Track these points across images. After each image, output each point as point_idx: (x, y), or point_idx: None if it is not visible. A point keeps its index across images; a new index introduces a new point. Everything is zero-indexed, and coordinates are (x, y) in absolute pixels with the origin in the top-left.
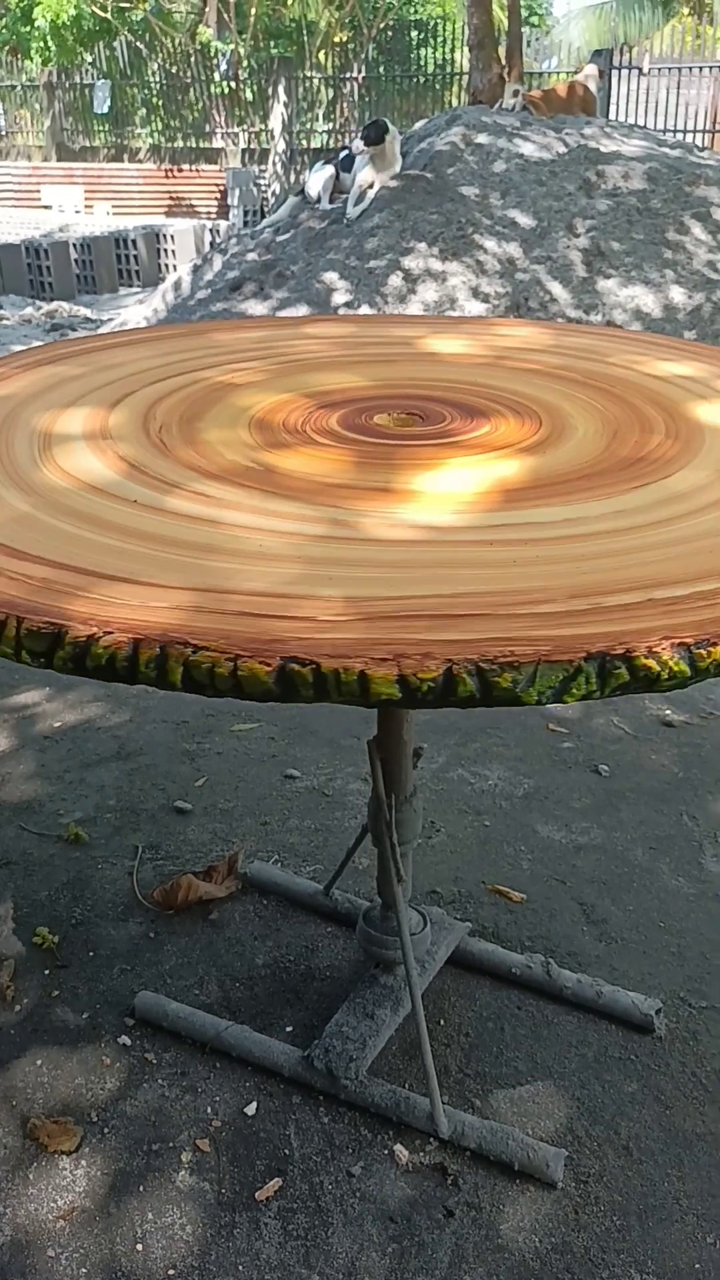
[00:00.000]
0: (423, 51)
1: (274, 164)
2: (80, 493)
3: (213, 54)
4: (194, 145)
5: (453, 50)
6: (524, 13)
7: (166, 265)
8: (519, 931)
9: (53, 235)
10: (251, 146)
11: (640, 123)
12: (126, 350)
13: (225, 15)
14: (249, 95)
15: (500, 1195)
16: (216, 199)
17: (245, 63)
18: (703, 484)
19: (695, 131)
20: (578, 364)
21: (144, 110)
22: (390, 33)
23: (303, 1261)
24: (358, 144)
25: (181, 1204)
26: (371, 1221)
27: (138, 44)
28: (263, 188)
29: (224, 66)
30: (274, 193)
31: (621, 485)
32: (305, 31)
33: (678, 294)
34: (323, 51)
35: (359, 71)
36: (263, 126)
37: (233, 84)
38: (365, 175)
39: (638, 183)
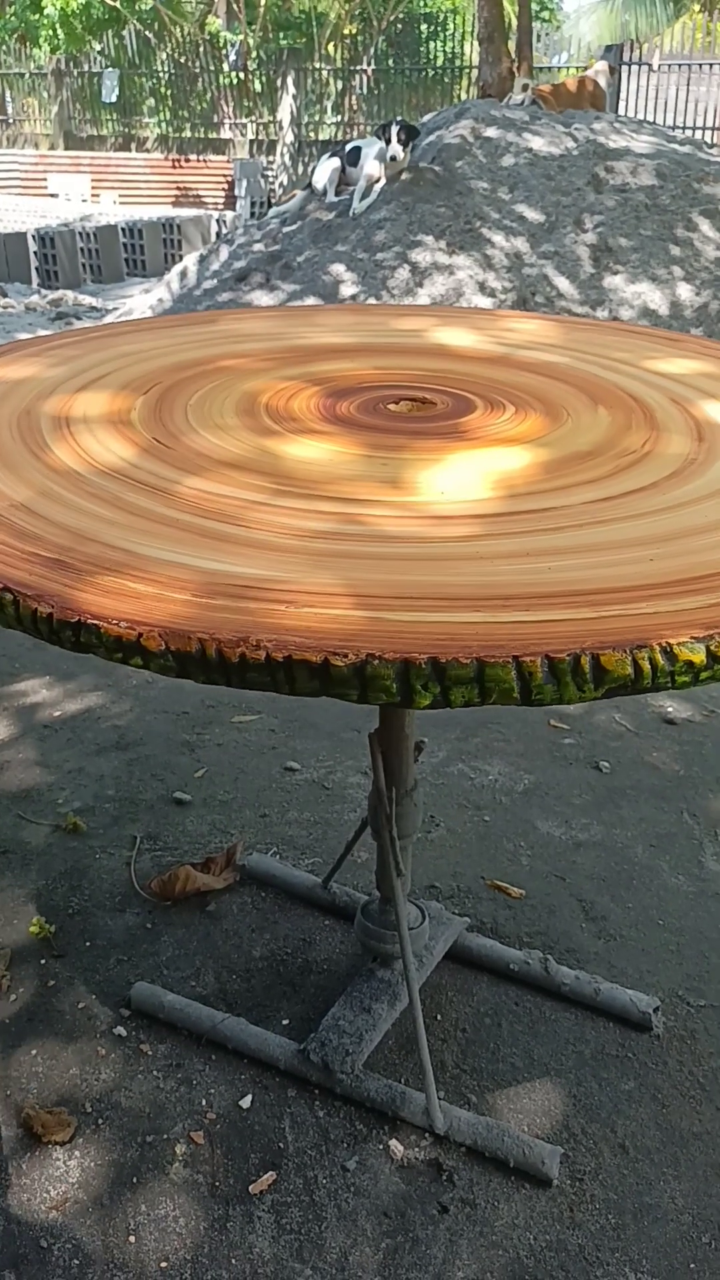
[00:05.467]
0: (432, 44)
1: (282, 155)
2: (88, 476)
3: (221, 44)
4: (202, 136)
5: (462, 43)
6: (534, 7)
7: (173, 255)
8: (517, 927)
9: (69, 224)
10: (259, 138)
11: (650, 119)
12: (138, 337)
13: (234, 6)
14: (257, 86)
15: (495, 1192)
16: (224, 190)
17: (254, 54)
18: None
19: (705, 129)
20: (585, 359)
21: (152, 100)
22: (400, 25)
23: (296, 1256)
24: (395, 147)
25: (175, 1196)
26: (365, 1216)
27: (146, 33)
28: (270, 179)
29: (233, 57)
30: (281, 184)
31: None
32: (315, 23)
33: (685, 291)
34: (332, 43)
35: (368, 64)
36: (271, 118)
37: (241, 75)
38: (372, 169)
39: (647, 179)
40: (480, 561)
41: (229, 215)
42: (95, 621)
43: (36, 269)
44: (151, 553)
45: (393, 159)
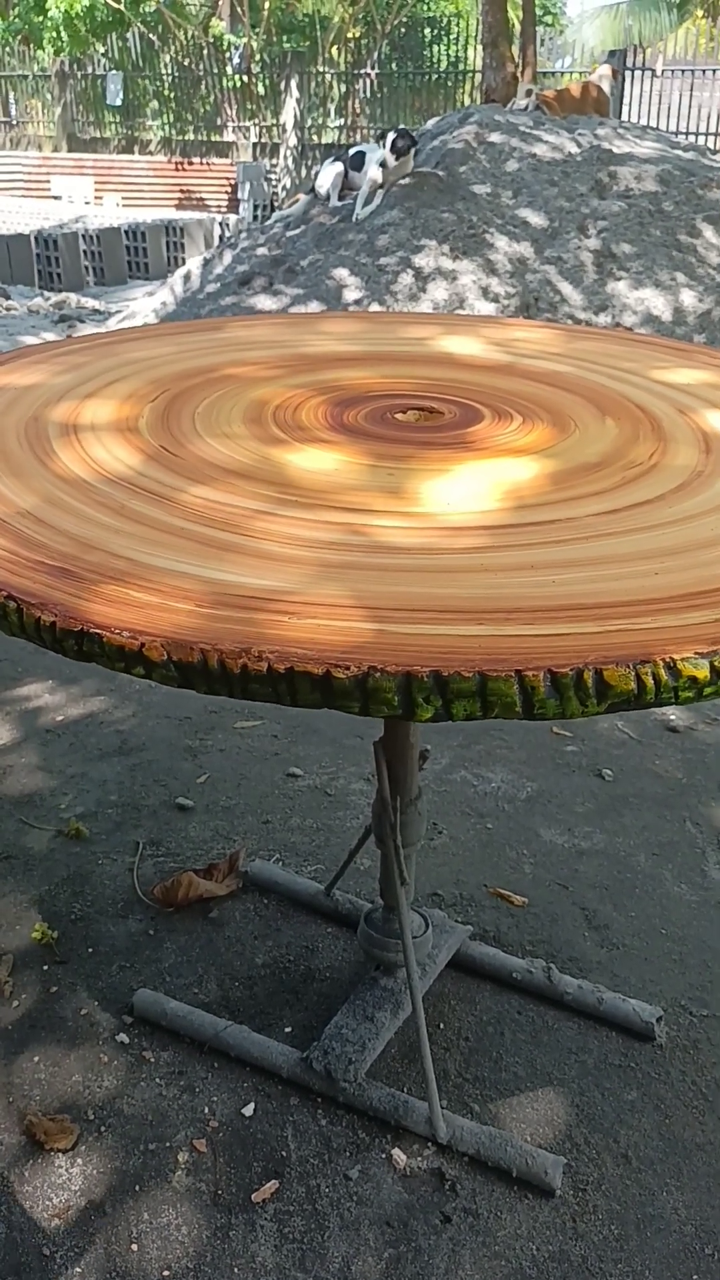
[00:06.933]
0: (436, 49)
1: (285, 159)
2: (95, 484)
3: (225, 47)
4: (205, 138)
5: (466, 48)
6: (538, 12)
7: (175, 258)
8: (520, 936)
9: (67, 225)
10: (262, 141)
11: (653, 124)
12: (145, 344)
13: (238, 8)
14: (261, 89)
15: (498, 1202)
16: (227, 193)
17: (258, 57)
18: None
19: (708, 134)
20: (592, 369)
21: (155, 102)
22: (403, 29)
23: (298, 1265)
24: (388, 154)
25: (178, 1205)
26: (368, 1226)
27: (150, 36)
28: (273, 182)
29: (236, 60)
30: (284, 188)
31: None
32: (318, 26)
33: (688, 297)
34: (335, 47)
35: (372, 68)
36: (274, 121)
37: (245, 78)
38: (376, 174)
39: (650, 184)
40: (484, 574)
41: (232, 218)
42: (98, 631)
43: (39, 271)
44: (156, 562)
45: (382, 165)
